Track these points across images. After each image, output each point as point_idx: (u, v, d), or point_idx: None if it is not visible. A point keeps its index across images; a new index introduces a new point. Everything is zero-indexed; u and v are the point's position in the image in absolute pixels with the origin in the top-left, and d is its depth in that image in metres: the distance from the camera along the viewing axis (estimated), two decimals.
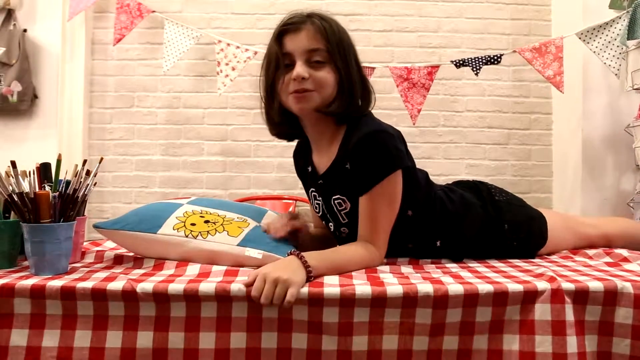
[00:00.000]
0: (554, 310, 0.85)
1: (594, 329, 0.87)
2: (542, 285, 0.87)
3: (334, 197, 1.17)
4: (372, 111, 1.20)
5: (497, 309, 0.85)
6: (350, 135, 1.11)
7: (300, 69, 1.08)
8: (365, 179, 1.07)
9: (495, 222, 1.23)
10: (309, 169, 1.25)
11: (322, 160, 1.19)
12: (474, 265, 1.12)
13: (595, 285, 0.87)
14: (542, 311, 0.85)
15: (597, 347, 0.86)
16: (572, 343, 0.83)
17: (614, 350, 0.86)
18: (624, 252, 1.18)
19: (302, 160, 1.29)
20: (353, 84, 1.12)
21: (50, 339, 0.83)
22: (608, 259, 1.17)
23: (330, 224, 1.23)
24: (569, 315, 0.85)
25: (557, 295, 0.85)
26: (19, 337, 0.83)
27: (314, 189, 1.25)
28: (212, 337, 0.83)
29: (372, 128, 1.08)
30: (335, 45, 1.10)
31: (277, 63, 1.11)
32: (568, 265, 1.12)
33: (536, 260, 1.20)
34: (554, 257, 1.23)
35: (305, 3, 2.74)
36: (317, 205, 1.26)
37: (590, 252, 1.25)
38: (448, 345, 0.85)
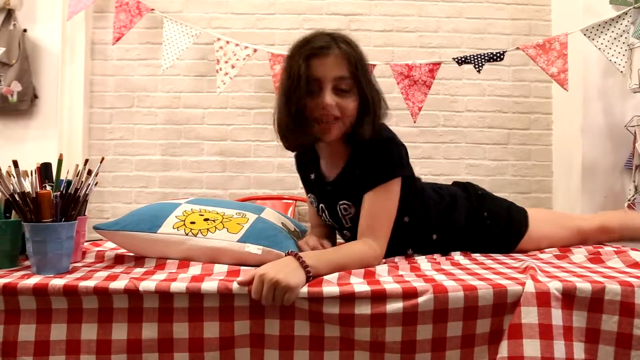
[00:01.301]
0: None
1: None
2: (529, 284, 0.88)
3: (340, 203, 1.21)
4: None
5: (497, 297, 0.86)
6: (362, 145, 1.14)
7: (329, 97, 1.08)
8: (371, 178, 1.12)
9: (477, 211, 1.31)
10: (313, 176, 1.29)
11: (331, 168, 1.23)
12: (465, 262, 1.14)
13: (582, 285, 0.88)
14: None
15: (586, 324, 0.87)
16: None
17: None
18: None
19: (308, 169, 1.31)
20: (375, 107, 1.13)
21: (58, 333, 0.84)
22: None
23: (333, 223, 1.29)
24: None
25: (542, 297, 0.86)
26: (27, 333, 0.84)
27: (315, 195, 1.29)
28: (215, 326, 0.84)
29: (384, 136, 1.14)
30: (360, 71, 1.10)
31: (307, 87, 1.08)
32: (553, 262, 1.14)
33: (517, 255, 1.24)
34: (540, 255, 1.25)
35: (305, 4, 2.74)
36: (319, 209, 1.29)
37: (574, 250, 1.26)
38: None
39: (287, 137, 1.16)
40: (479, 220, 1.30)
